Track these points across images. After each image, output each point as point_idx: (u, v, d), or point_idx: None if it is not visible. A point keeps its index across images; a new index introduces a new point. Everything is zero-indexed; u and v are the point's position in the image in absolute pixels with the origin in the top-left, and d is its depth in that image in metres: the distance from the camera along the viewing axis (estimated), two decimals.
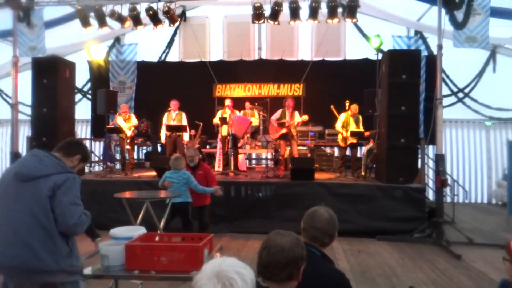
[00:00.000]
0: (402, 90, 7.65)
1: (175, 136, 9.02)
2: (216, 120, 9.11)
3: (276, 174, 8.69)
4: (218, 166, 9.67)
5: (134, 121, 9.28)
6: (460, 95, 11.52)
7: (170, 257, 2.84)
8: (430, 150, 9.93)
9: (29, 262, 2.49)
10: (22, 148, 9.78)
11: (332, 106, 9.03)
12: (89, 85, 12.47)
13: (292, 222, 7.56)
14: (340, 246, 6.95)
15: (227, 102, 9.08)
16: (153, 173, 8.61)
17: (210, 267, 1.50)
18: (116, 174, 8.91)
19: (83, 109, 11.74)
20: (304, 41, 12.33)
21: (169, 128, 8.96)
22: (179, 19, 8.25)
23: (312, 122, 10.43)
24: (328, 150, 10.87)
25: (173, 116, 9.13)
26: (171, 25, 8.18)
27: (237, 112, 9.06)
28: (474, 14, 7.76)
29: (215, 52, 12.50)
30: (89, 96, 12.38)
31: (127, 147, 9.17)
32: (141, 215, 5.58)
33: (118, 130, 8.91)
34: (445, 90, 10.35)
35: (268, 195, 7.81)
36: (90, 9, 8.08)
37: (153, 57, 12.52)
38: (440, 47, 7.41)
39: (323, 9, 8.81)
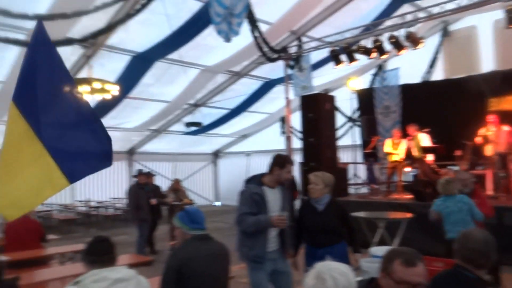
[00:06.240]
0: None
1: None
2: (477, 139, 8.33)
3: None
4: (489, 189, 8.73)
5: (402, 147, 9.43)
6: None
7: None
8: None
9: None
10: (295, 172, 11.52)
11: None
12: (357, 113, 13.48)
13: None
14: None
15: (490, 118, 8.18)
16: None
17: (316, 267, 1.85)
18: (376, 196, 9.33)
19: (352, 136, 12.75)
20: None
21: (424, 150, 8.79)
22: (422, 41, 8.11)
23: None
24: None
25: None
26: (414, 48, 8.16)
27: (504, 128, 8.02)
28: None
29: (486, 63, 11.39)
30: (358, 123, 13.35)
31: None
32: (377, 234, 5.88)
33: (373, 154, 9.36)
34: None
35: None
36: (341, 50, 9.02)
37: (416, 79, 12.48)
38: None
39: None
